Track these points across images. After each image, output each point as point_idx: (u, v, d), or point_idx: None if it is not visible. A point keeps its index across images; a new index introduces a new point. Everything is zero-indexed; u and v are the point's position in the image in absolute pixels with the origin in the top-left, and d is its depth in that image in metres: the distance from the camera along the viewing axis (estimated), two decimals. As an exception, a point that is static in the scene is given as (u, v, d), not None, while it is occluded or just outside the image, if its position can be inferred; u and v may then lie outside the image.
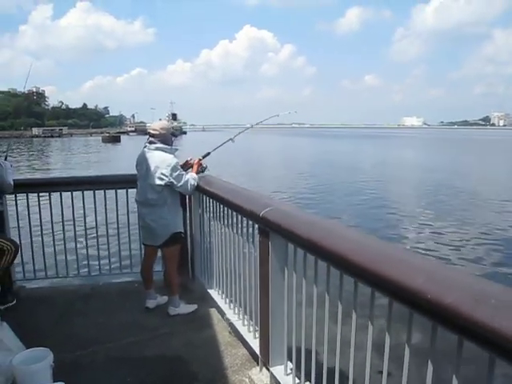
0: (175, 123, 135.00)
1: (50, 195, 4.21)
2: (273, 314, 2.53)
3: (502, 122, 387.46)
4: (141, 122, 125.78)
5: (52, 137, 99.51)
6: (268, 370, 2.61)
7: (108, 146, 65.83)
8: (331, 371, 1.98)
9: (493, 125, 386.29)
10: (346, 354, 1.87)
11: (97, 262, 4.40)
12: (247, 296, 3.03)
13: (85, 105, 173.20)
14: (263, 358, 2.68)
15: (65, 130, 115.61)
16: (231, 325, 3.30)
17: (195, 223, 4.09)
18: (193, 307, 3.74)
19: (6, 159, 3.96)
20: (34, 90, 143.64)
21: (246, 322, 3.14)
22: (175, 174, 3.44)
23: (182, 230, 3.73)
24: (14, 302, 3.81)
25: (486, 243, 10.05)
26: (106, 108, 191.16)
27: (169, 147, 3.55)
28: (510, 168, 32.25)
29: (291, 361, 2.45)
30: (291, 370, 2.45)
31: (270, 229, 2.41)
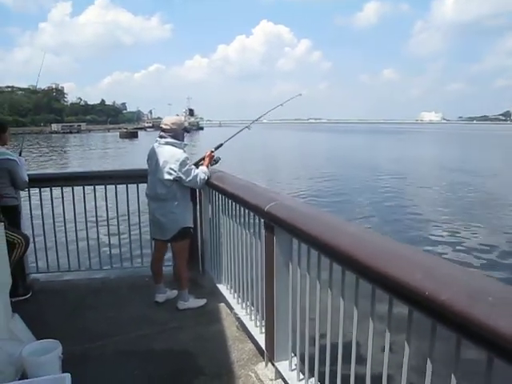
0: (192, 119, 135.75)
1: (62, 190, 4.27)
2: (277, 309, 2.53)
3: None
4: (158, 117, 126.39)
5: (71, 133, 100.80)
6: (273, 365, 2.62)
7: (125, 141, 66.45)
8: (334, 367, 1.98)
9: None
10: (348, 350, 1.86)
11: (108, 256, 4.46)
12: (254, 291, 3.03)
13: (103, 101, 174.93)
14: (269, 354, 2.68)
15: (83, 125, 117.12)
16: (239, 319, 3.31)
17: (205, 218, 4.11)
18: (202, 301, 3.76)
19: (20, 154, 4.03)
20: (54, 86, 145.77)
21: (253, 317, 3.14)
22: (184, 169, 3.44)
23: (192, 225, 3.73)
24: (29, 294, 3.89)
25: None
26: (123, 104, 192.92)
27: (179, 142, 3.54)
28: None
29: (296, 356, 2.45)
30: (296, 365, 2.45)
31: (274, 223, 2.40)
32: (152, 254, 3.95)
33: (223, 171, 3.84)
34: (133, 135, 78.65)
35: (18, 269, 3.65)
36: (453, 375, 1.26)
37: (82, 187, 4.25)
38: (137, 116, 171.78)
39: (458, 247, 9.36)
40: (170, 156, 3.46)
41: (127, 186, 4.31)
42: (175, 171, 3.43)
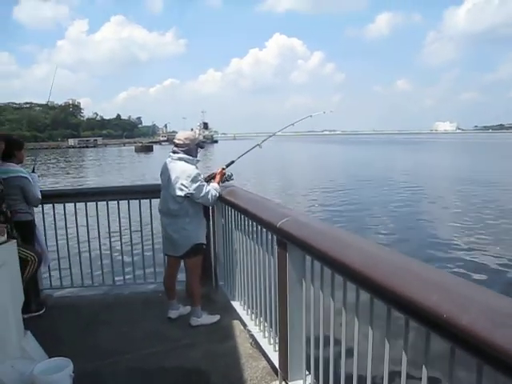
0: (206, 132, 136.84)
1: (75, 205, 4.29)
2: (291, 327, 2.47)
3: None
4: (173, 131, 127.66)
5: (87, 147, 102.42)
6: (287, 384, 2.55)
7: (141, 155, 67.14)
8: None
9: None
10: (364, 370, 1.79)
11: (121, 272, 4.45)
12: (267, 308, 2.98)
13: (118, 115, 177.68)
14: (282, 372, 2.62)
15: (99, 140, 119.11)
16: (252, 336, 3.25)
17: (218, 233, 4.08)
18: (215, 318, 3.71)
19: (33, 171, 4.07)
20: (70, 102, 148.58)
21: (266, 334, 3.08)
22: (195, 186, 3.41)
23: (204, 242, 3.69)
24: (43, 311, 3.89)
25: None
26: (138, 118, 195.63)
27: (191, 158, 3.52)
28: None
29: (310, 375, 2.38)
30: (310, 385, 2.38)
31: (287, 240, 2.36)
32: (165, 269, 3.92)
33: (235, 186, 3.82)
34: (148, 149, 79.58)
35: (31, 284, 3.65)
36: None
37: (95, 203, 4.26)
38: (152, 130, 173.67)
39: (476, 265, 8.75)
40: (182, 172, 3.44)
41: (140, 202, 4.31)
42: (186, 187, 3.40)
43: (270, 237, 2.78)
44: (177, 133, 3.73)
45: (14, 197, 3.67)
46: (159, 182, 3.68)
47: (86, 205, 4.26)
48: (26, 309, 3.19)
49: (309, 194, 19.22)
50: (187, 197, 3.43)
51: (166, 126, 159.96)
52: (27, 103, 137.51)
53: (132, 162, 51.16)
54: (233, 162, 3.86)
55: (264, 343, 3.06)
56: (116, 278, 4.48)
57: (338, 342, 2.01)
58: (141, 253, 4.40)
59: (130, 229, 4.34)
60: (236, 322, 3.63)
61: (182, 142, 3.52)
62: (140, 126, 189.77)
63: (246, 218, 3.24)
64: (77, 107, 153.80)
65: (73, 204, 4.28)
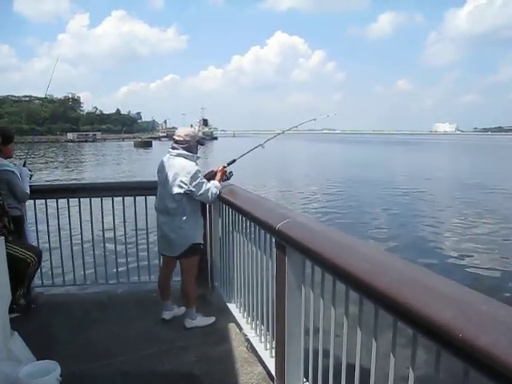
0: (206, 128, 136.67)
1: (68, 201, 4.16)
2: (289, 333, 2.37)
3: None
4: (172, 127, 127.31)
5: (86, 141, 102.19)
6: (283, 392, 2.45)
7: (139, 150, 66.99)
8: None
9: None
10: (365, 382, 1.69)
11: (115, 270, 4.33)
12: (264, 312, 2.88)
13: (118, 110, 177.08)
14: (279, 379, 2.52)
15: (98, 134, 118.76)
16: (248, 341, 3.15)
17: (215, 233, 3.97)
18: (210, 320, 3.61)
19: (24, 165, 3.96)
20: (70, 96, 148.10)
21: (263, 339, 2.98)
22: (195, 183, 3.30)
23: (202, 241, 3.57)
24: (33, 306, 3.78)
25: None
26: (138, 113, 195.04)
27: (191, 154, 3.40)
28: None
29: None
30: (307, 394, 2.28)
31: (286, 243, 2.25)
32: (160, 269, 3.81)
33: (234, 184, 3.70)
34: (147, 144, 79.57)
35: (20, 281, 3.54)
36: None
37: (88, 199, 4.14)
38: (151, 126, 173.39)
39: (492, 277, 8.14)
40: (181, 168, 3.32)
41: (135, 199, 4.19)
42: (186, 184, 3.29)
43: (268, 238, 2.68)
44: (176, 129, 3.62)
45: (1, 191, 3.56)
46: (155, 178, 3.57)
47: (79, 201, 4.14)
48: (13, 308, 3.10)
49: (306, 193, 19.10)
50: (186, 194, 3.32)
51: (165, 121, 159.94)
52: (26, 96, 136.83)
53: (130, 156, 51.00)
54: (234, 161, 3.75)
55: (260, 348, 2.96)
56: (109, 277, 4.36)
57: (338, 352, 1.91)
58: (135, 251, 4.28)
59: (125, 226, 4.23)
60: (232, 325, 3.52)
61: (181, 139, 3.40)
62: (139, 121, 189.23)
63: (244, 218, 3.13)
64: (76, 101, 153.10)
65: (66, 200, 4.16)
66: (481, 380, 1.08)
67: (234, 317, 3.52)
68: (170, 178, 3.34)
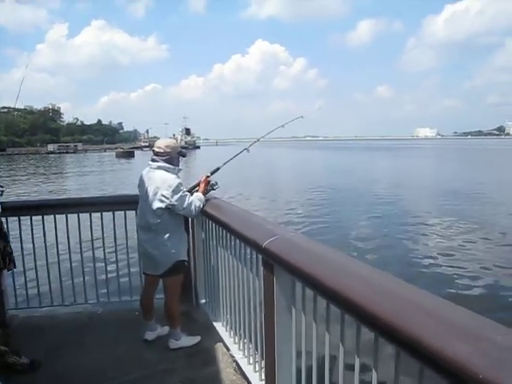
0: (189, 138, 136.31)
1: (43, 218, 3.95)
2: (279, 356, 2.22)
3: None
4: (154, 136, 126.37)
5: (67, 153, 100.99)
6: (274, 420, 2.29)
7: (121, 160, 66.29)
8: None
9: (507, 134, 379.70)
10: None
11: (94, 290, 4.13)
12: (252, 332, 2.72)
13: (99, 121, 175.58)
14: (269, 406, 2.36)
15: (79, 145, 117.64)
16: (236, 362, 2.99)
17: (198, 248, 3.81)
18: (196, 339, 3.44)
19: (-5, 181, 3.73)
20: (50, 106, 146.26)
21: (251, 361, 2.82)
22: (177, 196, 3.13)
23: (186, 258, 3.39)
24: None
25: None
26: (120, 123, 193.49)
27: (172, 167, 3.23)
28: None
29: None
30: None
31: (274, 261, 2.10)
32: (142, 288, 3.62)
33: (218, 198, 3.54)
34: (129, 155, 78.89)
35: None
36: None
37: (65, 215, 3.94)
38: (133, 135, 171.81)
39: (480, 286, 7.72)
40: (162, 181, 3.15)
41: (114, 214, 4.00)
42: (167, 198, 3.12)
43: (255, 256, 2.53)
44: (158, 138, 3.44)
45: None
46: (135, 192, 3.40)
47: (55, 218, 3.93)
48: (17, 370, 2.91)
49: (289, 201, 18.94)
50: (168, 209, 3.15)
51: (147, 131, 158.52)
52: (5, 107, 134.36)
53: (112, 167, 50.35)
54: (218, 169, 3.56)
55: (248, 370, 2.80)
56: (88, 297, 4.15)
57: (335, 379, 1.77)
58: (115, 269, 4.08)
59: (104, 244, 4.02)
60: (218, 345, 3.35)
61: (162, 151, 3.24)
62: (121, 131, 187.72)
63: (228, 234, 2.98)
64: (56, 112, 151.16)
65: (40, 217, 3.95)
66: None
67: (220, 336, 3.36)
68: (151, 192, 3.17)
